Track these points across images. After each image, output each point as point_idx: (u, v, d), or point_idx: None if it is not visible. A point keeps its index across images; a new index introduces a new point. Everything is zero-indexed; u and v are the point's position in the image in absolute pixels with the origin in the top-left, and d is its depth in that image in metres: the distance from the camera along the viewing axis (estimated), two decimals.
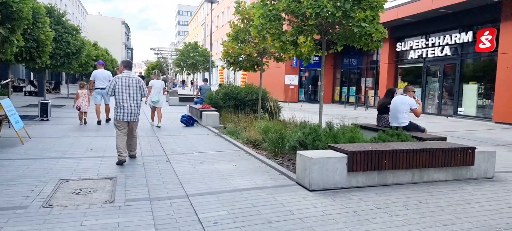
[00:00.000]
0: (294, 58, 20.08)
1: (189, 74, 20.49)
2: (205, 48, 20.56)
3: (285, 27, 6.66)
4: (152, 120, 10.15)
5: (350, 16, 5.84)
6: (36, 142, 6.60)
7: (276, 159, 5.74)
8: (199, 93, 12.89)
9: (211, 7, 18.85)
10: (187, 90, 38.10)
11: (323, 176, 4.01)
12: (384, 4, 6.07)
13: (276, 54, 9.76)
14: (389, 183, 4.29)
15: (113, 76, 6.89)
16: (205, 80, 13.13)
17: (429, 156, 4.37)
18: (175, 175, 4.71)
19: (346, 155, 4.11)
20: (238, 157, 5.98)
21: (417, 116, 6.48)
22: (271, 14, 6.26)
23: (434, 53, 16.00)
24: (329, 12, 5.66)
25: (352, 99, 22.47)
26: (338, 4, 5.75)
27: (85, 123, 9.34)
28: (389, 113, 6.65)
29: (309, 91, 26.17)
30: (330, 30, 6.55)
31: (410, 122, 6.40)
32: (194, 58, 19.06)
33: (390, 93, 7.04)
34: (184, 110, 13.75)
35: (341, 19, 5.92)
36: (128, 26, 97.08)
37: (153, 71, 10.76)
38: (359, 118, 13.96)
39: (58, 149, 6.15)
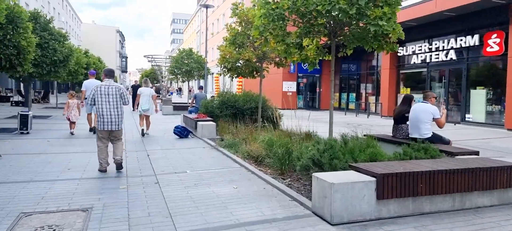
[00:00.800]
0: (291, 64, 19.27)
1: (183, 81, 19.69)
2: (200, 54, 19.82)
3: (289, 29, 5.94)
4: (141, 129, 9.75)
5: (365, 14, 5.13)
6: (6, 161, 5.77)
7: (284, 179, 4.96)
8: (194, 102, 12.11)
9: (206, 12, 18.16)
10: (184, 99, 37.24)
11: (348, 205, 3.24)
12: (402, 0, 5.38)
13: (277, 59, 9.04)
14: (426, 211, 3.53)
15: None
16: (200, 88, 12.37)
17: (471, 177, 3.63)
18: (164, 203, 3.90)
19: (374, 179, 3.35)
20: (239, 176, 5.19)
21: (441, 126, 5.74)
22: (274, 13, 5.53)
23: (438, 58, 15.41)
24: (342, 9, 4.94)
25: (352, 106, 21.81)
26: (352, 0, 5.04)
27: (72, 133, 9.18)
28: (409, 123, 5.92)
29: (308, 98, 25.50)
30: (339, 31, 5.84)
31: (433, 133, 5.67)
32: (188, 65, 18.29)
33: (408, 101, 6.32)
34: (179, 120, 12.94)
35: (354, 17, 5.21)
36: (122, 35, 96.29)
37: (143, 79, 10.68)
38: (363, 125, 13.24)
39: (30, 169, 5.32)
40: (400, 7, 5.36)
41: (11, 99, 19.09)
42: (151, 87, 10.36)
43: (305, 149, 4.73)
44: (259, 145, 6.42)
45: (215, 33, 35.64)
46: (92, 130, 9.32)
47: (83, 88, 9.72)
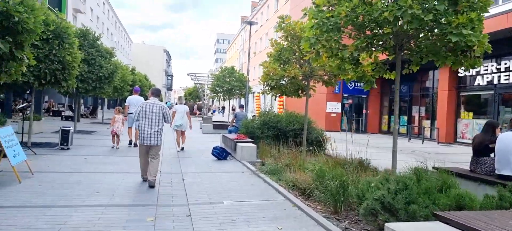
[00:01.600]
0: (338, 83, 17.87)
1: (224, 100, 19.44)
2: (242, 73, 19.51)
3: (344, 41, 5.14)
4: (178, 145, 10.19)
5: (443, 22, 4.20)
6: (36, 179, 5.48)
7: (338, 219, 4.07)
8: (235, 121, 11.56)
9: (250, 30, 17.89)
10: (224, 117, 37.41)
11: None
12: (489, 5, 4.37)
13: (326, 77, 8.21)
14: None
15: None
16: (241, 107, 11.83)
17: None
18: None
19: None
20: (283, 212, 4.37)
21: None
22: (328, 23, 4.78)
23: (509, 79, 13.56)
24: (414, 16, 4.06)
25: (402, 130, 20.06)
26: (426, 5, 4.15)
27: (113, 148, 9.57)
28: (496, 156, 4.75)
29: (353, 120, 24.05)
30: (406, 43, 4.92)
31: None
32: (230, 84, 18.00)
33: (491, 129, 5.16)
34: (218, 139, 12.43)
35: (428, 25, 4.30)
36: (169, 54, 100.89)
37: (178, 97, 11.83)
38: (418, 152, 11.80)
39: (57, 191, 4.94)
40: (487, 11, 4.36)
41: (62, 114, 20.07)
42: (185, 104, 11.10)
43: (367, 186, 3.82)
44: (307, 174, 5.57)
45: (258, 52, 35.57)
46: (131, 143, 9.99)
47: (126, 104, 10.31)
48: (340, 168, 5.28)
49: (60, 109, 21.50)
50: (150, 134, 5.48)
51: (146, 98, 13.41)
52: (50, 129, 13.75)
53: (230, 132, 11.56)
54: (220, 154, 8.39)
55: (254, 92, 32.37)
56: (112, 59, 13.78)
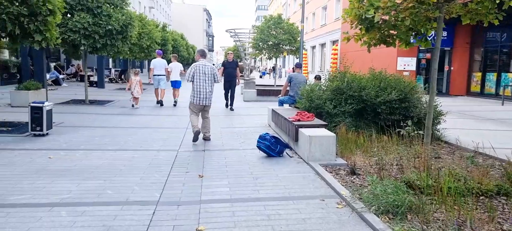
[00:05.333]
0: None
1: (270, 58, 15.73)
2: (292, 22, 15.41)
3: None
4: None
5: None
6: None
7: None
8: (289, 88, 7.93)
9: None
10: (266, 80, 33.47)
11: None
12: None
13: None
14: None
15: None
16: (297, 66, 8.06)
17: None
18: None
19: None
20: None
21: None
22: None
23: None
24: None
25: (508, 91, 15.04)
26: None
27: (133, 106, 9.98)
28: None
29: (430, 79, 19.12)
30: None
31: None
32: (276, 37, 14.12)
33: None
34: (264, 111, 9.00)
35: None
36: (209, 13, 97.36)
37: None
38: None
39: None
40: None
41: (91, 79, 17.78)
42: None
43: None
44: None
45: None
46: (159, 102, 10.60)
47: (151, 66, 10.75)
48: None
49: (89, 74, 19.32)
50: (205, 94, 5.70)
51: (168, 61, 11.98)
52: (58, 97, 11.22)
53: (281, 103, 8.00)
54: (271, 147, 4.92)
55: (306, 49, 27.88)
56: (126, 8, 10.56)
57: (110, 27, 9.61)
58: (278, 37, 14.02)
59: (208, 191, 3.67)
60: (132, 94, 9.95)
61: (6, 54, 15.77)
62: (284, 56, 18.91)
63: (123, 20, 9.95)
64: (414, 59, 18.54)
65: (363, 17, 4.17)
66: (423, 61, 18.90)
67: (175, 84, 10.92)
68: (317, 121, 5.53)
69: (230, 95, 10.12)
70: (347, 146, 5.05)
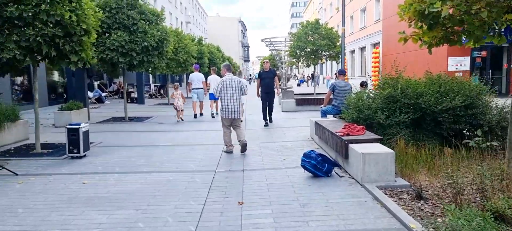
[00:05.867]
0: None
1: (308, 66, 15.08)
2: (331, 27, 14.65)
3: None
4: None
5: None
6: None
7: None
8: (332, 96, 7.29)
9: None
10: (304, 88, 32.76)
11: None
12: None
13: None
14: None
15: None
16: (341, 73, 7.38)
17: None
18: None
19: None
20: None
21: None
22: None
23: None
24: None
25: None
26: None
27: (179, 120, 10.15)
28: None
29: (487, 79, 17.34)
30: None
31: None
32: (314, 44, 13.46)
33: None
34: (305, 122, 8.42)
35: None
36: (244, 24, 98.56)
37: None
38: None
39: None
40: None
41: (131, 95, 18.30)
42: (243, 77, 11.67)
43: None
44: None
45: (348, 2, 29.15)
46: (196, 116, 10.90)
47: (189, 81, 11.27)
48: None
49: (130, 90, 19.97)
50: (233, 108, 5.83)
51: (205, 75, 12.35)
52: (101, 115, 11.46)
53: (324, 113, 7.37)
54: (318, 167, 4.35)
55: (351, 51, 26.55)
56: (161, 24, 10.57)
57: (146, 44, 9.60)
58: (316, 43, 13.39)
59: (249, 223, 3.18)
60: (176, 109, 10.10)
61: (55, 75, 16.66)
62: (323, 63, 18.14)
63: (158, 36, 9.92)
64: (468, 58, 16.94)
65: (426, 12, 3.51)
66: (478, 60, 17.20)
67: (214, 97, 10.63)
68: (369, 134, 4.86)
69: (268, 108, 9.10)
70: (407, 163, 4.34)
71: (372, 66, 23.14)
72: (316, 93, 15.01)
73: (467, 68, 16.70)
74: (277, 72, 10.85)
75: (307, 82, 37.77)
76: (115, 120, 10.76)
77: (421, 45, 4.18)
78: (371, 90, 6.13)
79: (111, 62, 9.80)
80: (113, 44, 9.28)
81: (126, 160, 5.64)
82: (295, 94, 13.97)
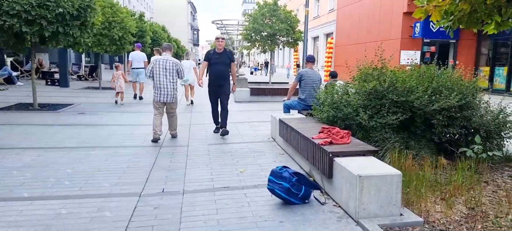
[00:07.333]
0: (417, 24, 12.64)
1: (264, 51, 13.66)
2: (290, 10, 13.33)
3: None
4: (187, 99, 9.95)
5: None
6: None
7: None
8: (298, 87, 5.97)
9: None
10: (260, 77, 31.55)
11: None
12: None
13: None
14: None
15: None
16: (309, 61, 5.98)
17: None
18: None
19: None
20: None
21: None
22: None
23: None
24: None
25: (500, 85, 13.75)
26: None
27: (117, 102, 9.46)
28: None
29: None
30: None
31: None
32: (272, 27, 12.08)
33: None
34: (262, 117, 7.10)
35: None
36: (194, 6, 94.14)
37: (185, 53, 11.61)
38: None
39: None
40: None
41: (52, 76, 15.23)
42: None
43: None
44: None
45: None
46: (136, 97, 10.48)
47: (130, 59, 10.48)
48: None
49: (52, 69, 16.84)
50: (166, 90, 5.36)
51: (148, 55, 12.20)
52: (5, 102, 8.93)
53: (288, 108, 6.06)
54: (293, 191, 2.99)
55: (315, 38, 25.54)
56: None
57: (61, 10, 7.41)
58: (274, 27, 12.06)
59: None
60: (115, 90, 9.44)
61: None
62: (280, 49, 16.93)
63: (79, 1, 7.76)
64: (418, 53, 16.99)
65: None
66: (427, 55, 17.36)
67: None
68: (357, 143, 3.62)
69: (221, 108, 5.86)
70: (412, 185, 3.18)
71: (326, 57, 22.64)
72: (272, 83, 13.75)
73: (418, 61, 16.73)
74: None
75: (260, 70, 36.34)
76: (19, 107, 8.40)
77: (439, 24, 2.99)
78: (348, 83, 4.92)
79: (13, 33, 7.46)
80: (12, 8, 6.97)
81: (3, 175, 3.76)
82: (249, 82, 12.56)
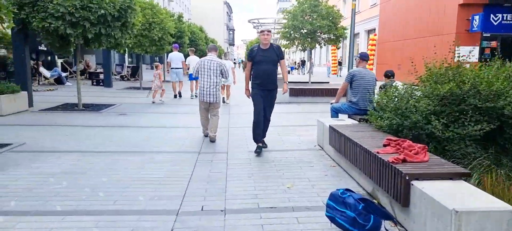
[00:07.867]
0: (476, 17, 11.32)
1: (304, 50, 13.04)
2: (332, 5, 12.57)
3: None
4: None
5: None
6: None
7: None
8: (350, 89, 5.35)
9: None
10: (302, 76, 30.75)
11: None
12: None
13: None
14: None
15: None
16: (363, 58, 5.25)
17: None
18: None
19: None
20: None
21: None
22: None
23: None
24: None
25: None
26: None
27: (160, 99, 9.71)
28: None
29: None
30: None
31: None
32: (313, 24, 11.42)
33: None
34: (306, 120, 6.57)
35: None
36: (230, 6, 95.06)
37: (224, 53, 11.96)
38: None
39: None
40: None
41: (97, 77, 15.74)
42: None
43: None
44: None
45: None
46: (176, 96, 10.90)
47: (168, 60, 10.98)
48: None
49: (98, 70, 17.44)
50: (209, 90, 5.34)
51: (185, 55, 11.68)
52: (53, 102, 9.16)
53: (336, 112, 5.45)
54: (359, 222, 2.43)
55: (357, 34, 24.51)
56: None
57: (103, 11, 7.37)
58: (315, 24, 11.41)
59: None
60: (152, 89, 9.83)
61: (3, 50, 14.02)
62: (321, 48, 16.16)
63: (120, 2, 7.69)
64: (476, 48, 15.40)
65: None
66: (487, 51, 15.71)
67: (192, 77, 10.60)
68: (437, 161, 2.96)
69: (265, 117, 4.93)
70: None
71: (369, 55, 21.42)
72: (312, 82, 13.08)
73: (476, 59, 15.17)
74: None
75: (297, 69, 35.29)
76: (65, 107, 8.54)
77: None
78: (413, 85, 4.24)
79: (58, 35, 7.55)
80: (57, 11, 7.02)
81: (40, 182, 3.58)
82: (289, 82, 11.99)
